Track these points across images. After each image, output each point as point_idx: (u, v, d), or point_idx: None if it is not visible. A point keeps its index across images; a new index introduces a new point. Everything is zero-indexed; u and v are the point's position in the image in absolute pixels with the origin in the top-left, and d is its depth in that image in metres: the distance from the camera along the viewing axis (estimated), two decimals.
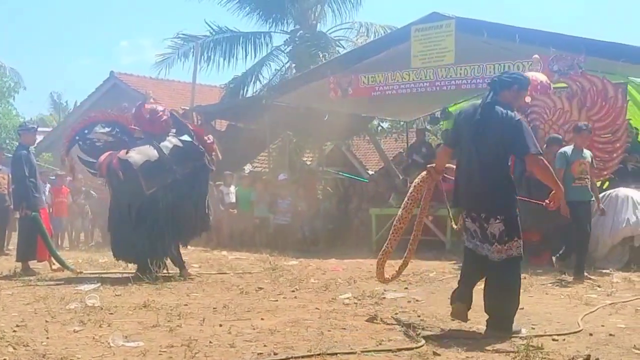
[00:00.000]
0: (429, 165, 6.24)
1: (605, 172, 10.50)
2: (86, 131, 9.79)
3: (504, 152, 5.46)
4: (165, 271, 9.18)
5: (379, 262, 6.53)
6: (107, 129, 9.75)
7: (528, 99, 10.24)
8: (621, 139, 10.39)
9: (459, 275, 5.99)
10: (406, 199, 6.37)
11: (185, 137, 9.52)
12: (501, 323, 5.51)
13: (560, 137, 9.98)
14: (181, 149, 9.37)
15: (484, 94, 5.79)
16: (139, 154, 9.13)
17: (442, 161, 6.10)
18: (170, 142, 9.40)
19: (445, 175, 6.29)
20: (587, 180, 8.99)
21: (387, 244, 6.46)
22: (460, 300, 5.71)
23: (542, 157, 5.50)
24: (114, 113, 10.17)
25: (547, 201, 5.70)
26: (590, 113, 10.50)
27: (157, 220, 9.16)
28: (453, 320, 6.02)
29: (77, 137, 9.74)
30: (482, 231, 5.56)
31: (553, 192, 5.63)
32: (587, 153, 9.16)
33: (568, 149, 9.11)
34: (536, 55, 11.53)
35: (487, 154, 5.42)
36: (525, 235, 5.88)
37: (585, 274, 8.79)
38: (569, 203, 8.54)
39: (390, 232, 6.52)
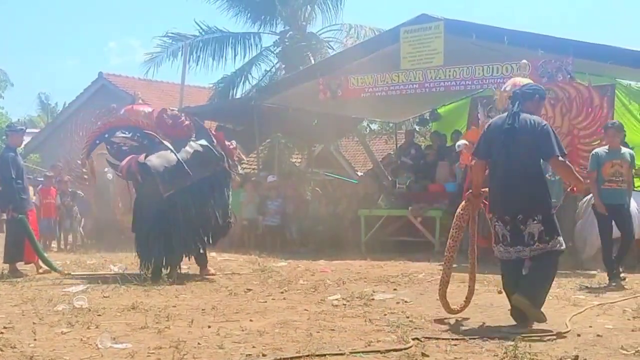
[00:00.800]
0: (467, 193, 6.41)
1: (588, 180, 10.54)
2: (106, 135, 9.99)
3: (536, 156, 5.86)
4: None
5: (440, 294, 6.35)
6: (128, 134, 9.94)
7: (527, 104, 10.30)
8: None
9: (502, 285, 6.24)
10: (452, 229, 6.39)
11: (204, 142, 9.69)
12: (535, 301, 5.78)
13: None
14: (201, 153, 9.55)
15: (481, 97, 6.07)
16: (158, 158, 9.31)
17: (480, 176, 6.28)
18: (191, 146, 9.57)
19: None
20: (619, 182, 8.66)
21: (443, 275, 6.39)
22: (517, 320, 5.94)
23: (565, 159, 5.91)
24: (132, 118, 10.24)
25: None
26: (575, 121, 10.56)
27: (175, 222, 9.30)
28: (441, 321, 6.09)
29: (97, 142, 9.99)
30: (513, 234, 5.85)
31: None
32: (627, 153, 8.77)
33: (601, 149, 8.84)
34: (524, 61, 11.56)
35: (520, 158, 5.81)
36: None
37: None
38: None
39: (444, 263, 6.50)
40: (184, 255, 9.64)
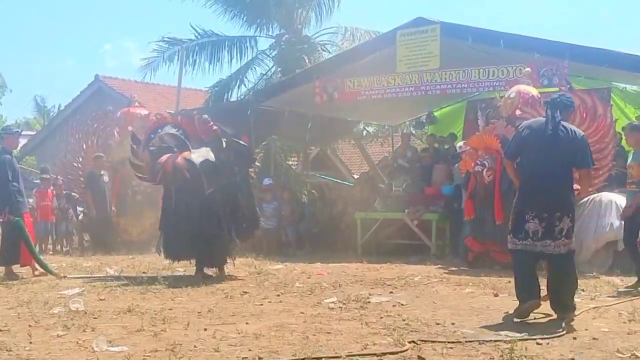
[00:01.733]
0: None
1: (590, 189, 10.56)
2: (160, 130, 10.08)
3: (573, 163, 6.40)
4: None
5: None
6: (176, 130, 10.06)
7: (518, 112, 10.34)
8: (608, 156, 10.41)
9: (516, 282, 6.48)
10: None
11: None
12: (569, 307, 6.33)
13: None
14: (235, 154, 9.90)
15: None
16: (199, 157, 9.58)
17: (513, 172, 6.70)
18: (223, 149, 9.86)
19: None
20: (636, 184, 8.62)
21: None
22: (535, 297, 6.30)
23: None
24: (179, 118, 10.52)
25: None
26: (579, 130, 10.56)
27: (217, 219, 9.62)
28: (438, 324, 6.11)
29: (152, 136, 10.04)
30: (547, 229, 6.25)
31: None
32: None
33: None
34: (528, 69, 11.57)
35: (560, 163, 6.31)
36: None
37: None
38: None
39: None
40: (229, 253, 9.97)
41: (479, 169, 10.63)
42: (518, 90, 10.74)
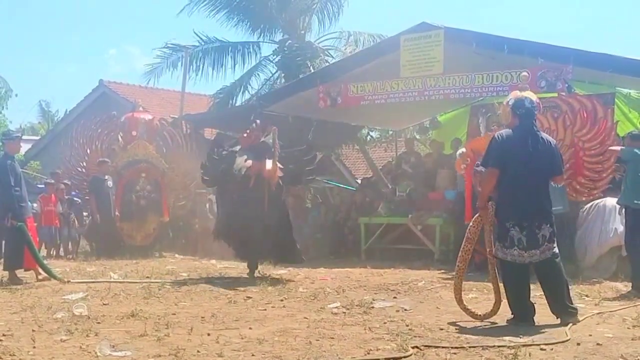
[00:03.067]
0: (479, 208, 6.65)
1: (595, 192, 10.57)
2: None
3: (550, 171, 6.56)
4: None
5: (458, 302, 6.71)
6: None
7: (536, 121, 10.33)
8: (610, 159, 10.41)
9: (508, 296, 6.51)
10: (464, 241, 6.71)
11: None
12: (570, 310, 6.42)
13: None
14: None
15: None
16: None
17: (491, 184, 6.57)
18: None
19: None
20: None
21: (456, 284, 6.71)
22: (530, 321, 6.39)
23: None
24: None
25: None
26: (579, 133, 10.53)
27: (286, 221, 10.50)
28: (442, 329, 6.11)
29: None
30: (529, 238, 6.35)
31: None
32: None
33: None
34: (525, 73, 11.56)
35: (539, 173, 6.46)
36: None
37: None
38: None
39: (455, 273, 6.78)
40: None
41: (480, 169, 10.57)
42: (515, 96, 10.65)
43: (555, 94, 11.76)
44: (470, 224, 6.67)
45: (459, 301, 6.67)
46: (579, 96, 11.06)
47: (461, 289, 6.70)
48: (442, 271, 10.77)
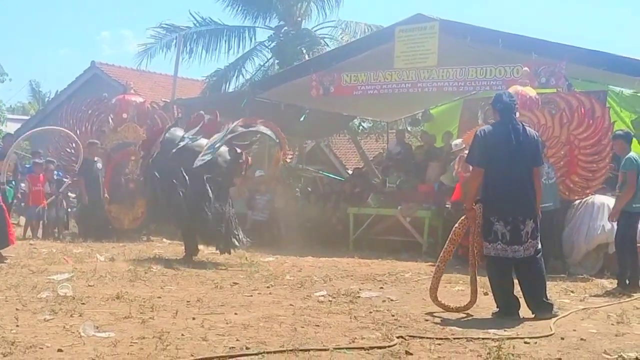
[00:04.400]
0: (465, 209, 6.63)
1: (587, 191, 10.55)
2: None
3: (532, 163, 6.51)
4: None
5: (433, 299, 6.73)
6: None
7: (517, 113, 10.27)
8: (605, 159, 10.41)
9: (493, 290, 6.57)
10: (447, 242, 6.74)
11: None
12: (545, 306, 6.45)
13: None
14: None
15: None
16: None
17: (478, 183, 6.56)
18: None
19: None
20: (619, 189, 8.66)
21: (433, 282, 6.74)
22: (515, 315, 6.41)
23: None
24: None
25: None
26: (576, 131, 10.52)
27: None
28: (427, 320, 6.12)
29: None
30: (513, 233, 6.38)
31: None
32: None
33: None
34: (526, 68, 11.54)
35: (523, 166, 6.45)
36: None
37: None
38: None
39: (434, 272, 6.82)
40: None
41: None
42: (516, 91, 10.60)
43: (554, 90, 11.76)
44: (456, 225, 6.67)
45: (434, 299, 6.67)
46: (577, 94, 11.04)
47: (437, 287, 6.69)
48: (430, 263, 10.77)
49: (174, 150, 10.44)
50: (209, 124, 11.04)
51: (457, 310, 6.65)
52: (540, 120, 10.61)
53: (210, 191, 10.31)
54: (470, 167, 10.07)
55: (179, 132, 10.90)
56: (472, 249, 6.64)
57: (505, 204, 6.41)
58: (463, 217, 6.63)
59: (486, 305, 6.69)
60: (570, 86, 11.75)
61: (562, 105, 10.82)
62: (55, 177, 14.77)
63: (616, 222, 8.85)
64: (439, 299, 6.69)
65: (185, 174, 10.22)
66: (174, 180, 10.19)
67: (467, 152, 10.51)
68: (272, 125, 11.13)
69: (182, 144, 10.54)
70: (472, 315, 6.57)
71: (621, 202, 8.51)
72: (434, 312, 6.58)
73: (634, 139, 11.94)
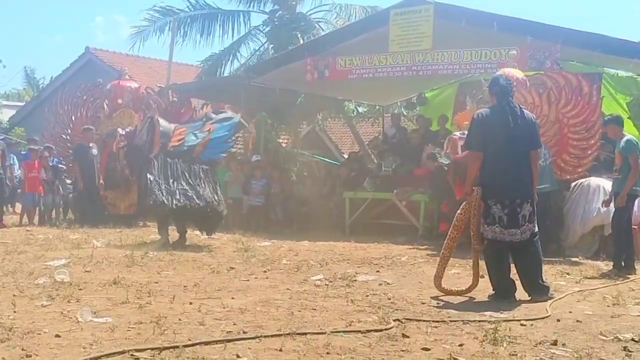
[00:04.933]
0: (466, 194, 6.66)
1: (579, 169, 10.55)
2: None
3: (530, 146, 6.53)
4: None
5: (437, 286, 6.73)
6: None
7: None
8: (595, 136, 10.40)
9: (490, 273, 6.60)
10: (451, 228, 6.73)
11: None
12: (541, 288, 6.50)
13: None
14: None
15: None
16: None
17: (477, 167, 6.56)
18: None
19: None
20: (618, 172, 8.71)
21: (438, 270, 6.74)
22: (511, 297, 6.47)
23: None
24: None
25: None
26: (564, 110, 10.49)
27: None
28: (423, 303, 6.15)
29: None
30: (510, 217, 6.41)
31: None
32: (619, 144, 8.72)
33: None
34: (514, 51, 11.53)
35: (520, 149, 6.47)
36: None
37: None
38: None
39: (439, 262, 6.81)
40: None
41: (457, 134, 10.46)
42: (504, 73, 10.60)
43: (542, 71, 11.75)
44: (458, 211, 6.67)
45: (438, 285, 6.67)
46: (564, 72, 11.01)
47: (442, 275, 6.71)
48: (425, 247, 10.82)
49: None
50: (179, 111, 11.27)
51: (459, 293, 6.67)
52: (528, 99, 10.53)
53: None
54: (459, 148, 10.19)
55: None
56: (475, 233, 6.66)
57: (503, 187, 6.44)
58: (465, 203, 6.63)
59: (483, 288, 6.71)
60: (560, 67, 11.72)
61: (549, 84, 10.77)
62: (51, 164, 14.72)
63: (612, 204, 8.87)
64: (442, 285, 6.70)
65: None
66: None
67: (456, 133, 10.58)
68: (236, 109, 11.57)
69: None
70: (469, 298, 6.60)
71: (628, 186, 8.48)
72: (431, 295, 6.61)
73: (630, 121, 12.03)
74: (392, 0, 13.68)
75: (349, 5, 22.22)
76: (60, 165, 14.79)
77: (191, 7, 21.56)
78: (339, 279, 7.45)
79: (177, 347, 4.38)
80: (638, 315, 5.85)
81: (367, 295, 6.52)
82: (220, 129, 10.77)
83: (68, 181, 14.96)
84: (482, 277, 6.84)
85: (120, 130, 10.78)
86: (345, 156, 19.72)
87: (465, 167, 9.73)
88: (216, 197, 10.59)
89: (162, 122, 10.87)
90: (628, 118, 12.15)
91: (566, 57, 12.13)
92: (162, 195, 10.17)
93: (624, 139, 8.64)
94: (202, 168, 10.61)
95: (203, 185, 10.48)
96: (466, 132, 10.25)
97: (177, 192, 10.25)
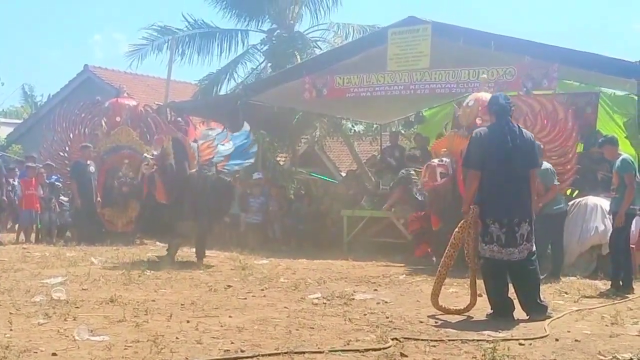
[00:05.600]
0: (464, 212, 6.62)
1: (551, 195, 10.49)
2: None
3: (529, 165, 6.57)
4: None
5: (434, 304, 6.69)
6: None
7: (479, 120, 9.96)
8: (571, 161, 10.39)
9: (488, 292, 6.59)
10: (449, 247, 6.68)
11: None
12: (539, 308, 6.48)
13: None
14: None
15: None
16: None
17: (475, 186, 6.58)
18: None
19: None
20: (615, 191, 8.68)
21: (435, 288, 6.70)
22: (509, 316, 6.45)
23: None
24: None
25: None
26: (540, 134, 10.17)
27: None
28: (421, 322, 6.13)
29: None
30: (508, 236, 6.42)
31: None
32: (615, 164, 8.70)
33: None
34: (484, 75, 11.51)
35: (519, 168, 6.48)
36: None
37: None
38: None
39: (435, 279, 6.76)
40: None
41: (435, 162, 10.33)
42: (476, 98, 10.45)
43: (549, 92, 11.75)
44: (456, 230, 6.65)
45: (435, 303, 6.65)
46: (539, 97, 10.92)
47: (439, 293, 6.68)
48: (423, 265, 10.78)
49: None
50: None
51: (457, 312, 6.65)
52: None
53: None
54: (438, 176, 10.06)
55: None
56: (470, 251, 6.65)
57: (501, 206, 6.45)
58: (463, 221, 6.61)
59: (481, 307, 6.70)
60: (529, 92, 11.65)
61: (524, 109, 10.63)
62: (48, 180, 14.69)
63: (610, 223, 8.87)
64: (440, 303, 6.68)
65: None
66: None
67: (434, 160, 10.46)
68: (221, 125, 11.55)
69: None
70: (467, 317, 6.59)
71: (625, 205, 8.48)
72: (429, 314, 6.59)
73: (627, 140, 12.06)
74: (390, 19, 13.76)
75: (347, 25, 22.31)
76: (57, 183, 14.77)
77: (190, 26, 21.63)
78: (337, 297, 7.43)
79: None
80: (636, 335, 5.84)
81: (365, 314, 6.50)
82: (235, 138, 11.01)
83: (65, 198, 14.94)
84: (480, 295, 6.83)
85: (147, 155, 10.68)
86: (343, 174, 19.70)
87: (444, 196, 9.75)
88: None
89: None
90: (625, 137, 12.20)
91: (564, 76, 12.17)
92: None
93: (620, 158, 8.65)
94: (228, 182, 10.97)
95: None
96: (444, 159, 10.32)
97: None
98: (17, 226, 14.83)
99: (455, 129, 11.01)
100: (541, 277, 8.12)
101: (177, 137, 10.86)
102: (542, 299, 6.63)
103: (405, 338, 5.42)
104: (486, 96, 10.44)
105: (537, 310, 6.46)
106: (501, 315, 6.42)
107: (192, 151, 10.57)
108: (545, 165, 9.01)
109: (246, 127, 11.57)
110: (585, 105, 13.06)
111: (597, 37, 70.23)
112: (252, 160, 12.05)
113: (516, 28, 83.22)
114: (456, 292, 7.98)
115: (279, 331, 5.58)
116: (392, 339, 5.30)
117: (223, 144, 10.89)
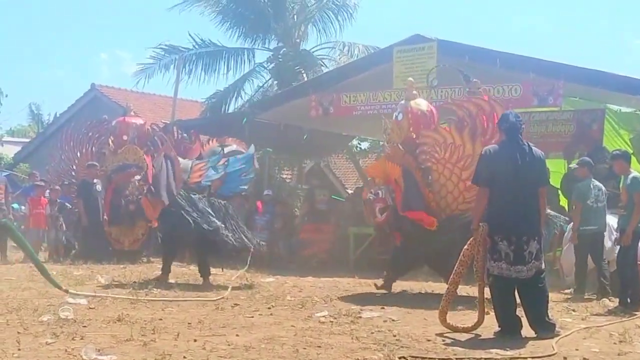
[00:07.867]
0: (473, 230, 6.58)
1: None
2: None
3: (538, 183, 6.57)
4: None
5: (441, 321, 6.69)
6: None
7: (413, 135, 9.52)
8: None
9: (496, 309, 6.56)
10: (457, 265, 6.66)
11: None
12: (547, 325, 6.46)
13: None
14: None
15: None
16: None
17: (484, 203, 6.57)
18: None
19: None
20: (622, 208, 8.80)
21: (443, 305, 6.69)
22: (517, 334, 6.41)
23: None
24: None
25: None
26: (485, 139, 8.89)
27: None
28: (429, 340, 6.11)
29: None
30: (516, 254, 6.39)
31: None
32: (625, 180, 8.71)
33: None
34: (410, 79, 10.67)
35: (529, 186, 6.47)
36: None
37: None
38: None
39: (444, 297, 6.76)
40: None
41: (371, 197, 9.73)
42: (404, 109, 9.69)
43: (555, 109, 11.70)
44: (465, 247, 6.63)
45: (443, 321, 6.64)
46: (474, 99, 9.52)
47: (447, 311, 6.67)
48: (430, 282, 10.76)
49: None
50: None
51: (465, 330, 6.63)
52: (447, 139, 9.23)
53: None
54: (378, 213, 9.69)
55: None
56: (479, 269, 6.64)
57: (509, 224, 6.44)
58: (472, 238, 6.60)
59: (488, 325, 6.67)
60: (467, 77, 11.04)
61: (460, 114, 9.34)
62: (58, 200, 14.74)
63: (617, 241, 8.85)
64: (447, 320, 6.67)
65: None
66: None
67: (370, 195, 9.95)
68: (238, 142, 11.85)
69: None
70: (474, 335, 6.57)
71: (633, 224, 8.46)
72: (436, 332, 6.57)
73: (634, 157, 12.02)
74: (394, 39, 13.82)
75: (353, 44, 22.46)
76: (66, 204, 14.79)
77: (196, 45, 21.78)
78: (344, 315, 7.42)
79: None
80: None
81: (372, 332, 6.48)
82: (235, 162, 10.87)
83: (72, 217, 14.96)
84: (488, 313, 6.81)
85: (137, 176, 10.74)
86: (350, 192, 19.71)
87: (392, 225, 9.47)
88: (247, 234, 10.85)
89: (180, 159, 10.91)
90: (632, 154, 12.17)
91: (569, 93, 12.20)
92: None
93: (631, 175, 8.64)
94: (222, 204, 10.65)
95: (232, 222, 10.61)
96: (379, 192, 9.87)
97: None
98: None
99: (387, 145, 10.12)
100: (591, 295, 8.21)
101: (170, 155, 10.87)
102: (550, 316, 6.61)
103: (412, 356, 5.41)
104: (414, 105, 9.76)
105: (545, 328, 6.44)
106: (509, 333, 6.40)
107: (179, 170, 10.53)
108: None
109: (251, 149, 11.46)
110: (591, 122, 13.06)
111: (603, 53, 70.35)
112: (245, 187, 11.95)
113: (521, 46, 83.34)
114: (464, 310, 7.95)
115: (286, 350, 5.57)
116: (400, 358, 5.29)
117: (216, 168, 10.76)
